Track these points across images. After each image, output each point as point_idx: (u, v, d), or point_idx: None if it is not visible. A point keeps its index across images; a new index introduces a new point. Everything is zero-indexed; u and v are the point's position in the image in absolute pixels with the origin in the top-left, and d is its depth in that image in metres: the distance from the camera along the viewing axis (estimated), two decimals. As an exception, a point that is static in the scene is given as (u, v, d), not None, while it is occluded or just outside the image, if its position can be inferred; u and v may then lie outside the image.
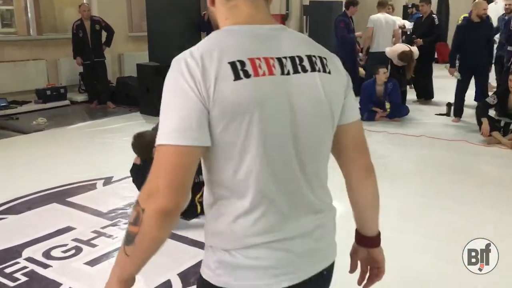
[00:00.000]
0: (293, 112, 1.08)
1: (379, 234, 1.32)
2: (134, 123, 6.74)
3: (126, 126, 6.57)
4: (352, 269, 1.35)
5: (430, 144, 5.53)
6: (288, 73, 1.08)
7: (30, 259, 2.93)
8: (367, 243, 1.31)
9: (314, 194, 1.15)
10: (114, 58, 9.26)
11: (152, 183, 1.00)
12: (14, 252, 3.02)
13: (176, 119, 0.99)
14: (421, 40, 7.69)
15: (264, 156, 1.05)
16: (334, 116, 1.15)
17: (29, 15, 8.25)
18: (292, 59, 1.09)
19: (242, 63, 1.02)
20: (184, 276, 2.76)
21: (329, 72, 1.14)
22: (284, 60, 1.08)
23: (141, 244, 1.02)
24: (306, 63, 1.10)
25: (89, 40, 7.57)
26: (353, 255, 1.35)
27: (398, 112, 6.75)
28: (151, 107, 7.07)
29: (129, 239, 1.03)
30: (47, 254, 3.00)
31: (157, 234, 1.01)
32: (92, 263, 2.90)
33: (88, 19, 7.53)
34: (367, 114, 6.53)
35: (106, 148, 5.46)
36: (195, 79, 0.99)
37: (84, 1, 8.13)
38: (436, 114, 7.04)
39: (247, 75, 1.02)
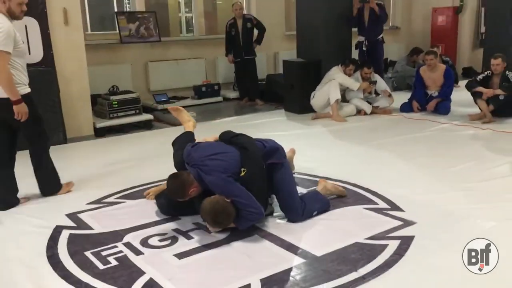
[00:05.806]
0: None
1: None
2: (276, 120, 6.67)
3: (268, 122, 6.54)
4: None
5: None
6: None
7: (127, 244, 2.95)
8: None
9: None
10: (269, 57, 9.36)
11: None
12: (117, 236, 3.08)
13: None
14: None
15: None
16: None
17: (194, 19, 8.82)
18: None
19: None
20: (266, 282, 2.49)
21: None
22: None
23: None
24: None
25: (241, 38, 7.74)
26: None
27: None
28: (295, 104, 6.95)
29: None
30: (144, 241, 2.99)
31: None
32: (181, 255, 2.81)
33: (240, 18, 7.71)
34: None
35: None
36: None
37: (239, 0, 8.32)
38: None
39: None
